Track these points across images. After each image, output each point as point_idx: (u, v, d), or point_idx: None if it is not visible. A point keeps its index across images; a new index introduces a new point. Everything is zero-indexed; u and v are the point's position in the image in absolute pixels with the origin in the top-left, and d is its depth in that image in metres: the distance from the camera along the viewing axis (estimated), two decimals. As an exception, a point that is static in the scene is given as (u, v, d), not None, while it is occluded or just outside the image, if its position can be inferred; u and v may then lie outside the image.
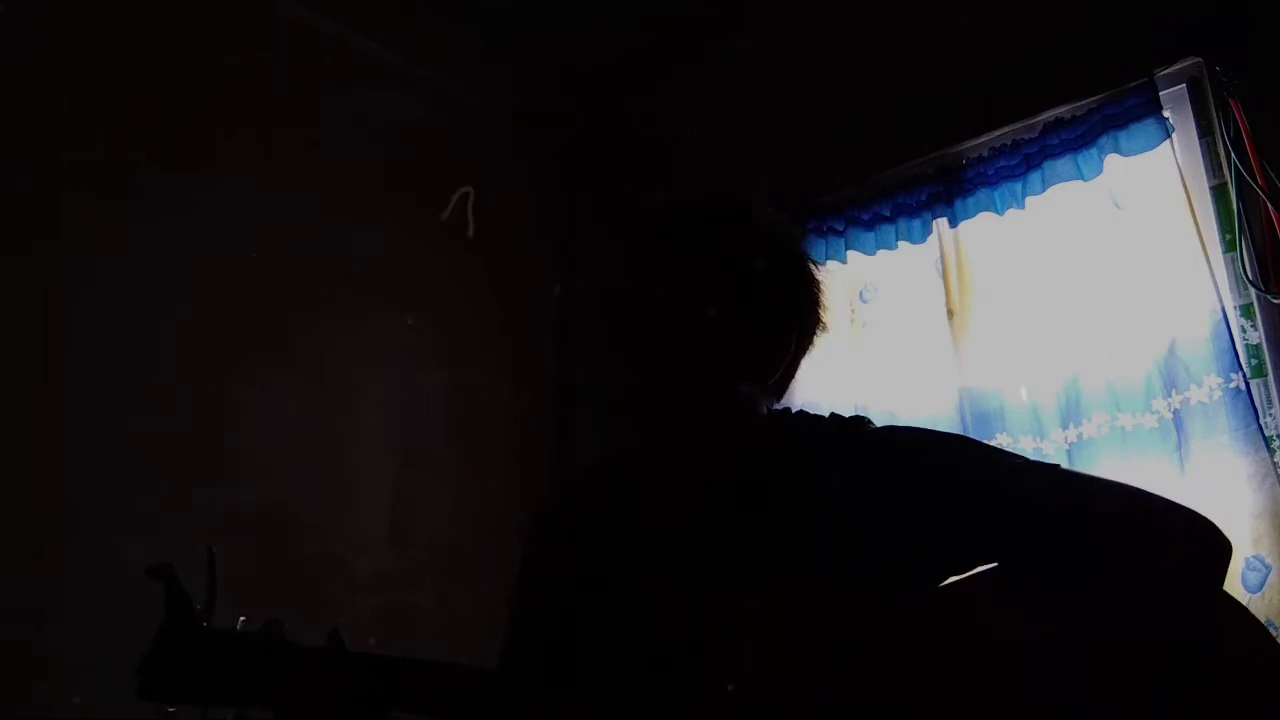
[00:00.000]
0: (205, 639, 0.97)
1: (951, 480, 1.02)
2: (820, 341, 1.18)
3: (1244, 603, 1.61)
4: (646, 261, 1.12)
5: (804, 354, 1.16)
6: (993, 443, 1.98)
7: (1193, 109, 1.90)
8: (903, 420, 2.09)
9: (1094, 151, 1.96)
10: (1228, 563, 0.97)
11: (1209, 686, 0.90)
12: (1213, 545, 0.97)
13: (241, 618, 0.99)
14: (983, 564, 1.01)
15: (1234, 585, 1.65)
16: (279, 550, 1.96)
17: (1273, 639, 0.94)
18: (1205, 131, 1.87)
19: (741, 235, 1.12)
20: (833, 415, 1.16)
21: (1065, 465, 1.09)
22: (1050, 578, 0.96)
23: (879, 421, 1.15)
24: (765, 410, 1.13)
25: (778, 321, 1.12)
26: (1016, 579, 0.98)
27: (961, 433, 2.01)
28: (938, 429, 1.17)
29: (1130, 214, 1.90)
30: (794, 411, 1.18)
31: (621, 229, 1.20)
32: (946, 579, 1.02)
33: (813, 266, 1.17)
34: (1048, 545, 0.98)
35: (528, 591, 1.17)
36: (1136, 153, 1.91)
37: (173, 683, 0.96)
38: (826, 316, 1.16)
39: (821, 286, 1.16)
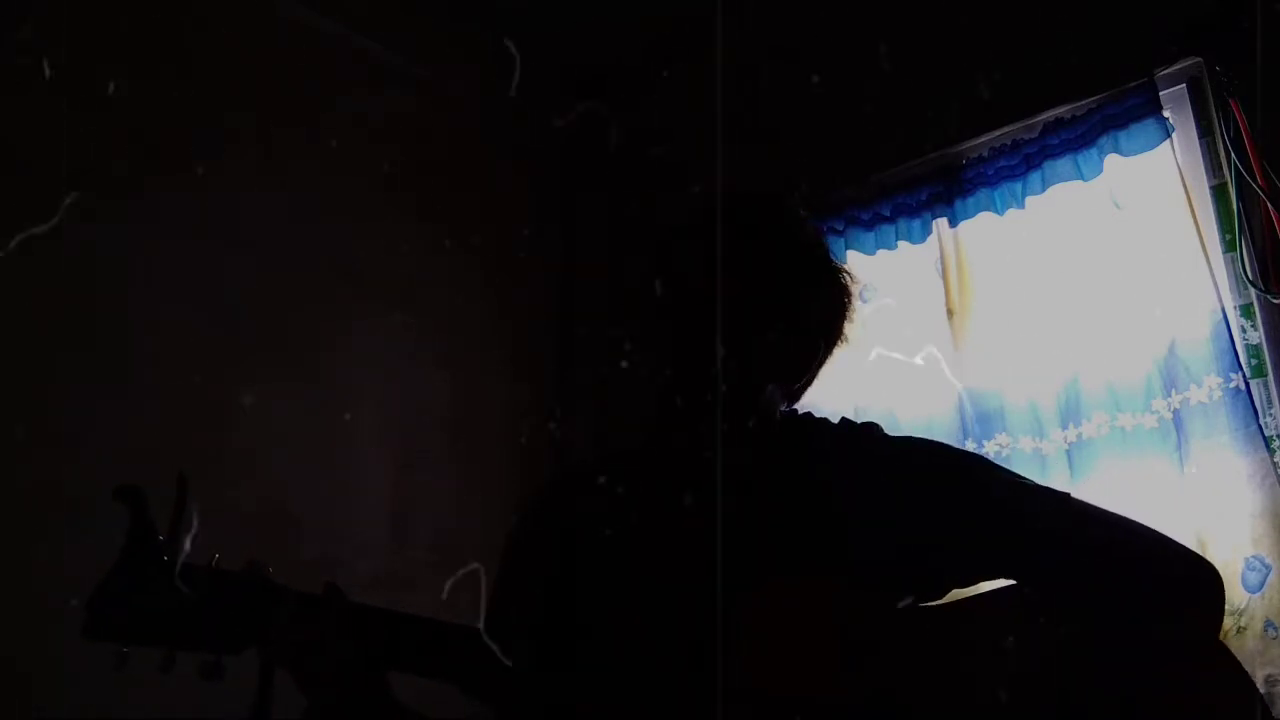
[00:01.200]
0: (174, 573, 0.87)
1: (962, 495, 1.03)
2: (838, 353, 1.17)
3: (1244, 602, 1.63)
4: (692, 253, 1.08)
5: (825, 362, 1.15)
6: (992, 443, 1.99)
7: (1193, 109, 1.90)
8: (902, 420, 2.09)
9: (1094, 151, 1.96)
10: (1223, 606, 0.99)
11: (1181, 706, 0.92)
12: (1211, 589, 0.98)
13: (216, 555, 0.90)
14: (984, 579, 1.01)
15: (1234, 585, 1.65)
16: (279, 550, 1.95)
17: (1255, 689, 0.96)
18: (1205, 131, 1.87)
19: (790, 238, 1.11)
20: (843, 420, 1.16)
21: (1075, 495, 1.08)
22: (1050, 599, 0.97)
23: (878, 421, 1.15)
24: (778, 413, 1.13)
25: (811, 328, 1.11)
26: (1025, 597, 0.98)
27: (961, 433, 2.02)
28: (951, 444, 1.16)
29: (1130, 214, 1.90)
30: (802, 414, 1.18)
31: (665, 218, 1.17)
32: (948, 591, 1.02)
33: (848, 277, 1.15)
34: (1049, 570, 0.98)
35: (510, 584, 1.16)
36: (1136, 153, 1.91)
37: (131, 620, 0.85)
38: (850, 329, 1.15)
39: (853, 297, 1.15)
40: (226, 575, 0.90)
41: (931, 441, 1.15)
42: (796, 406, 1.18)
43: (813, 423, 1.16)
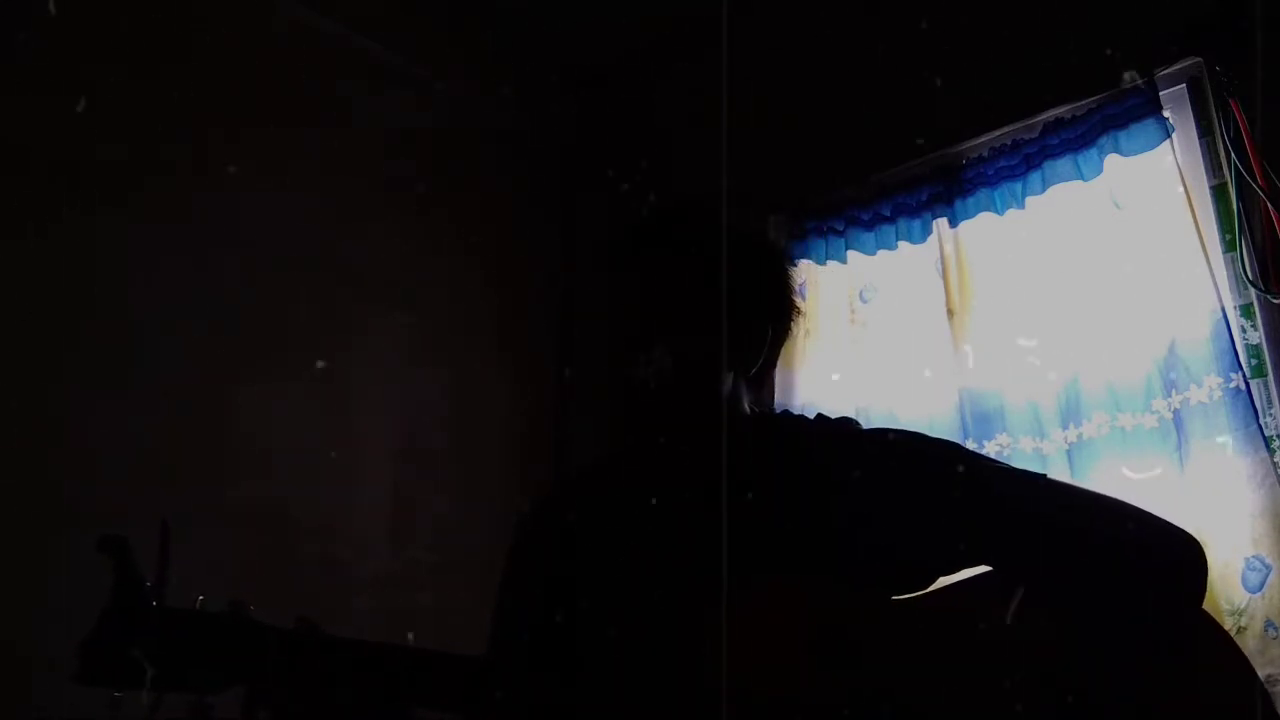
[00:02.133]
0: (160, 619, 0.89)
1: (938, 483, 1.03)
2: (796, 331, 1.19)
3: (1244, 602, 1.63)
4: (619, 269, 1.15)
5: (781, 344, 1.17)
6: (993, 443, 1.99)
7: (1193, 109, 1.90)
8: (902, 420, 2.09)
9: (1094, 151, 1.96)
10: (1206, 577, 0.99)
11: (1182, 695, 0.92)
12: (1191, 560, 0.98)
13: (200, 597, 0.92)
14: (968, 567, 1.02)
15: (1234, 585, 1.65)
16: (279, 550, 1.96)
17: (1242, 654, 0.96)
18: (1205, 131, 1.87)
19: (704, 235, 1.14)
20: (819, 416, 1.17)
21: (1051, 475, 1.10)
22: (1032, 582, 0.97)
23: (879, 422, 1.16)
24: (749, 409, 1.14)
25: (748, 313, 1.12)
26: (1007, 583, 0.98)
27: (961, 433, 2.02)
28: (926, 433, 1.17)
29: (1130, 214, 1.90)
30: (779, 412, 1.19)
31: (604, 241, 1.24)
32: (934, 580, 1.03)
33: (781, 258, 1.20)
34: (1029, 551, 0.99)
35: (513, 585, 1.17)
36: (1136, 153, 1.91)
37: (121, 666, 0.87)
38: (800, 303, 1.18)
39: (789, 274, 1.18)
40: (210, 617, 0.91)
41: (906, 431, 1.16)
42: (777, 406, 1.19)
43: (790, 420, 1.17)
